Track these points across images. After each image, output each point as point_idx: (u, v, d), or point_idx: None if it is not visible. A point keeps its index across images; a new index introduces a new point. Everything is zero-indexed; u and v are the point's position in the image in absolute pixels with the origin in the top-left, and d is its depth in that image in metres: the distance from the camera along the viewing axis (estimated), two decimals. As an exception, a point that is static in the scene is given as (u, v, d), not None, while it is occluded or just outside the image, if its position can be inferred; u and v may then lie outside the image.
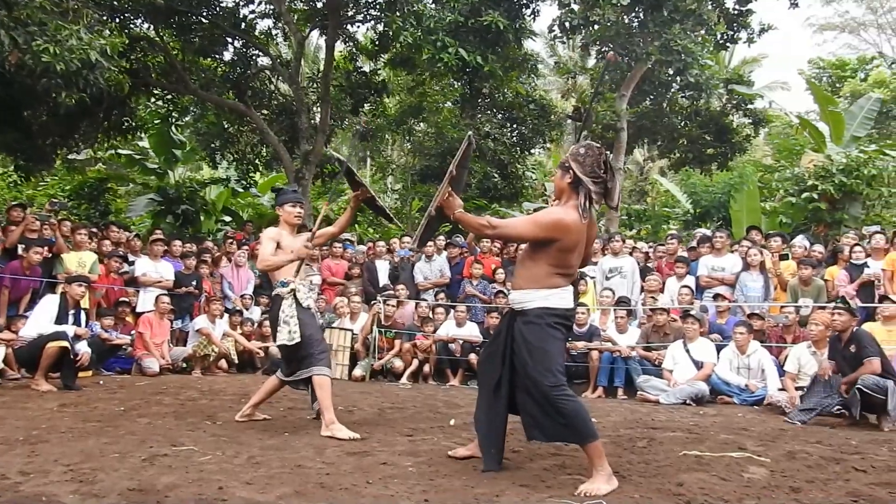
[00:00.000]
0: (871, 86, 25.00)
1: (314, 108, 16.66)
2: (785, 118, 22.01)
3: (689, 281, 9.29)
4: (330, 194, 5.27)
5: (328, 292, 10.48)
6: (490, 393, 3.90)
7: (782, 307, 8.56)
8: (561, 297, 3.68)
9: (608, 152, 17.36)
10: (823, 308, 7.79)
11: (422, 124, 18.64)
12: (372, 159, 23.58)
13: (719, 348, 7.99)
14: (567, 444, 4.05)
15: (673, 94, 19.22)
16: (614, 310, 8.95)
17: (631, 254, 10.20)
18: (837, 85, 27.57)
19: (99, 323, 8.03)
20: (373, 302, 9.79)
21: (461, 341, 9.19)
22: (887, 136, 22.17)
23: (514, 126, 18.17)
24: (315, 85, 17.12)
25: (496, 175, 17.05)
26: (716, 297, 8.91)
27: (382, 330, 9.45)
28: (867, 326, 7.79)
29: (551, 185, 21.24)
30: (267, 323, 9.06)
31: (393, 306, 9.61)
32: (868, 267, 8.59)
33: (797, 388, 7.01)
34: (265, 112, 16.44)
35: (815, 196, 13.49)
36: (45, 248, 8.45)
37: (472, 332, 9.31)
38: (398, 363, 9.33)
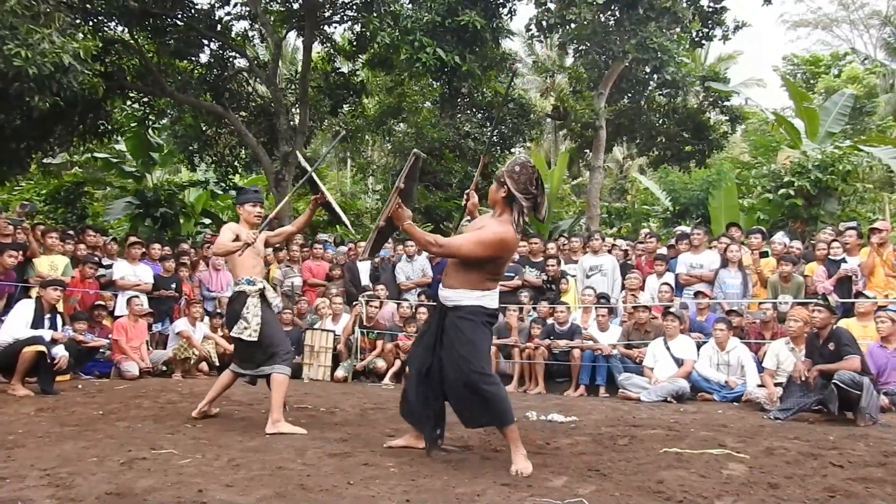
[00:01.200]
0: (845, 82, 25.36)
1: (293, 110, 16.58)
2: (761, 115, 22.23)
3: (669, 278, 9.36)
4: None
5: (309, 294, 10.44)
6: (421, 378, 4.22)
7: (760, 303, 8.64)
8: (492, 299, 4.09)
9: (587, 150, 17.21)
10: (803, 304, 7.88)
11: (401, 125, 18.62)
12: (352, 160, 23.53)
13: (699, 345, 8.05)
14: (485, 427, 4.31)
15: (650, 92, 19.34)
16: (595, 308, 9.00)
17: (610, 252, 10.25)
18: (812, 81, 27.91)
19: (71, 327, 7.93)
20: (354, 303, 9.76)
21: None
22: (861, 131, 22.48)
23: (494, 125, 18.21)
24: (293, 86, 17.05)
25: (474, 173, 17.05)
26: (696, 294, 8.97)
27: (364, 331, 9.43)
28: (843, 323, 7.90)
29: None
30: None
31: (375, 307, 9.59)
32: (845, 262, 8.70)
33: (776, 385, 7.08)
34: (243, 114, 16.34)
35: (792, 192, 13.63)
36: (19, 252, 8.34)
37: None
38: (380, 364, 9.31)
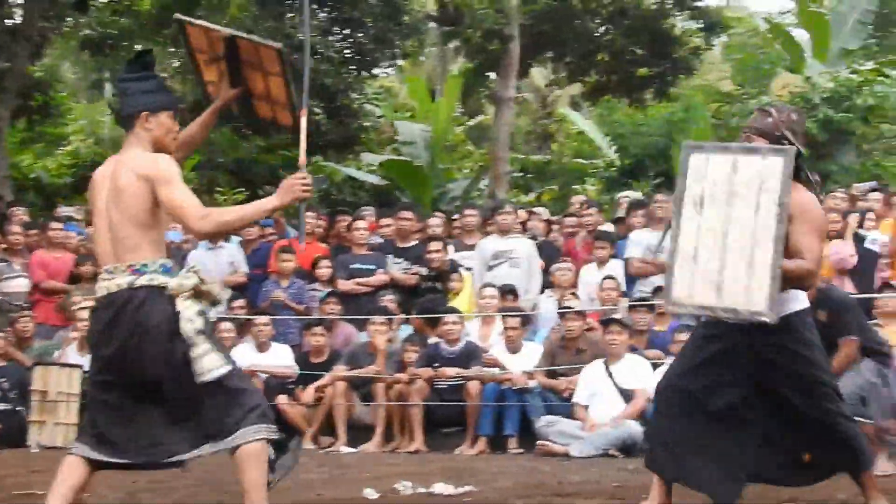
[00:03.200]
0: (869, -26, 26.71)
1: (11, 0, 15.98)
2: (749, 22, 23.10)
3: (615, 268, 9.60)
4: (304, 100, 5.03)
5: (42, 305, 10.20)
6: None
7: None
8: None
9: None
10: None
11: (196, 27, 18.21)
12: (113, 85, 22.80)
13: (657, 367, 8.25)
14: None
15: (587, -15, 19.78)
16: (502, 317, 9.11)
17: (525, 229, 10.42)
18: (822, -28, 29.31)
19: None
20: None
21: (263, 375, 9.13)
22: (889, 49, 23.75)
23: (347, 32, 18.13)
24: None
25: (319, 111, 16.97)
26: (656, 291, 9.21)
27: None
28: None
29: (404, 125, 21.36)
30: None
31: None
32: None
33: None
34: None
35: (792, 137, 14.28)
36: None
37: (279, 358, 9.28)
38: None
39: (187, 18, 4.97)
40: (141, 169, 4.29)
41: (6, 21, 15.18)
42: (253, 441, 4.18)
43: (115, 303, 4.25)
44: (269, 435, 4.24)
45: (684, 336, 7.99)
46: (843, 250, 9.02)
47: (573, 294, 9.47)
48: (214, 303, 4.57)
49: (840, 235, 9.18)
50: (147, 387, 4.27)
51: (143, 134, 4.46)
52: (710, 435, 4.62)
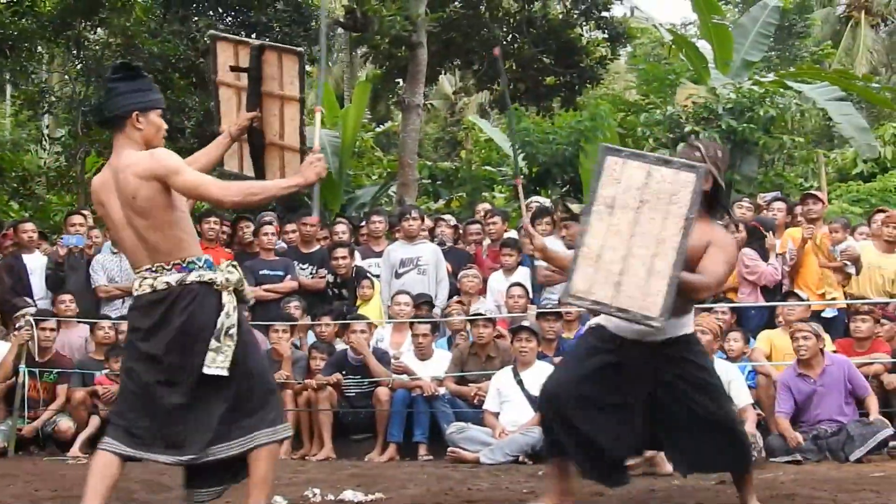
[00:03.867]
0: (769, -12, 27.39)
1: None
2: (654, 33, 23.47)
3: (522, 275, 9.68)
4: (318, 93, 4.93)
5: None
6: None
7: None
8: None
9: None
10: (710, 310, 8.42)
11: (98, 30, 17.93)
12: (14, 86, 22.31)
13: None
14: None
15: (495, -7, 19.84)
16: (411, 324, 9.13)
17: (433, 238, 10.46)
18: (725, -16, 29.94)
19: None
20: (18, 325, 9.33)
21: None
22: (790, 60, 24.38)
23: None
24: None
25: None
26: (563, 298, 9.35)
27: (36, 371, 9.11)
28: (765, 335, 8.56)
29: (311, 131, 21.07)
30: None
31: (52, 329, 9.26)
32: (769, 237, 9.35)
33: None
34: None
35: (696, 146, 14.54)
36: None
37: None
38: (65, 423, 9.03)
39: (220, 34, 5.17)
40: (143, 170, 4.37)
41: None
42: (273, 441, 4.47)
43: (165, 300, 4.40)
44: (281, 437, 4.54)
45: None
46: (774, 268, 9.24)
47: (459, 302, 9.54)
48: (244, 301, 4.71)
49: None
50: (184, 379, 4.43)
51: (135, 133, 4.53)
52: (601, 430, 4.84)
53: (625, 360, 4.86)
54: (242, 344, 4.46)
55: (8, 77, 21.11)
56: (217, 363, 4.34)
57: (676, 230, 4.35)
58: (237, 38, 5.23)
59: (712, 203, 4.89)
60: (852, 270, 9.13)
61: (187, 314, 4.39)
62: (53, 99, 19.76)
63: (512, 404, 8.23)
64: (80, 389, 9.12)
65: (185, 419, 4.43)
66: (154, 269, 4.43)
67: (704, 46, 17.83)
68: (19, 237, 10.61)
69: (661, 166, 4.50)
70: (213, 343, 4.34)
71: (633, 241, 4.41)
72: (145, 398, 4.46)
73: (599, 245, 4.46)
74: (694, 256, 4.61)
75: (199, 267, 4.45)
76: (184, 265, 4.43)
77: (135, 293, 4.55)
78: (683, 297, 4.57)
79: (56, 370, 9.24)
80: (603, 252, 4.44)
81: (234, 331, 4.39)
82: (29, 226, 10.89)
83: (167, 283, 4.40)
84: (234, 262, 4.73)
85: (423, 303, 9.41)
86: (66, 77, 20.37)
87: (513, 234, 10.56)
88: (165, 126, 4.68)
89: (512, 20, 20.01)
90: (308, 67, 21.60)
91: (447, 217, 12.12)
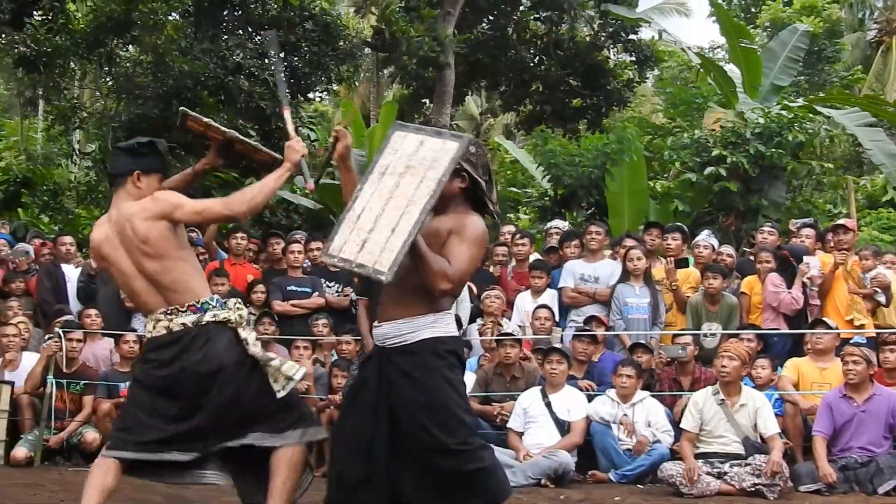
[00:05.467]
0: (799, 12, 27.21)
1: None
2: (681, 56, 23.43)
3: (550, 298, 9.66)
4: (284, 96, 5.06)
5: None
6: (363, 456, 4.46)
7: (676, 335, 9.06)
8: (448, 323, 4.58)
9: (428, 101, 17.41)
10: (737, 336, 8.35)
11: (130, 48, 18.04)
12: (47, 101, 22.49)
13: (591, 398, 8.38)
14: None
15: (522, 15, 19.91)
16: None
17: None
18: (753, 10, 29.87)
19: None
20: (48, 336, 9.39)
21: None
22: (819, 86, 24.26)
23: (283, 56, 18.05)
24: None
25: (253, 132, 16.86)
26: (588, 320, 9.29)
27: (64, 381, 9.12)
28: (792, 363, 8.46)
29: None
30: None
31: (79, 340, 9.29)
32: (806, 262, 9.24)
33: (698, 456, 7.48)
34: None
35: (723, 172, 14.37)
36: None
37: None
38: (91, 435, 9.03)
39: (191, 113, 5.31)
40: (150, 213, 4.66)
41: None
42: (294, 445, 4.69)
43: (180, 340, 4.63)
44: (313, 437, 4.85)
45: (628, 370, 8.10)
46: (795, 297, 9.08)
47: (495, 322, 9.49)
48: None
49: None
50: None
51: (134, 191, 4.81)
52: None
53: (367, 379, 4.61)
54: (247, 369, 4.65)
55: (41, 93, 21.36)
56: (280, 386, 4.65)
57: (426, 192, 4.33)
58: (209, 122, 5.37)
59: (474, 201, 4.70)
60: (882, 299, 9.07)
61: (202, 354, 4.60)
62: (85, 114, 19.95)
63: (538, 426, 8.18)
64: (106, 401, 9.13)
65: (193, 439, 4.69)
66: (169, 311, 4.64)
67: (733, 70, 17.79)
68: (57, 249, 10.87)
69: (434, 137, 4.54)
70: (269, 369, 4.66)
71: (388, 203, 4.39)
72: (153, 418, 4.67)
73: (361, 207, 4.47)
74: (435, 241, 4.48)
75: (213, 307, 4.66)
76: (199, 306, 4.64)
77: (148, 335, 4.76)
78: (420, 280, 4.42)
79: (83, 381, 9.26)
80: (362, 214, 4.45)
81: (263, 355, 4.67)
82: (67, 238, 11.27)
83: (183, 324, 4.61)
84: (240, 300, 4.99)
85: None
86: (98, 93, 20.57)
87: (536, 256, 10.53)
88: (162, 190, 4.88)
89: (539, 42, 20.06)
90: (335, 87, 21.92)
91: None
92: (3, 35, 16.69)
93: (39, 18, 16.64)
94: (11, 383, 9.04)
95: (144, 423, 4.67)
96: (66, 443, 9.06)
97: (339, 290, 10.14)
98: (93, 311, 9.80)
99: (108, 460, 4.69)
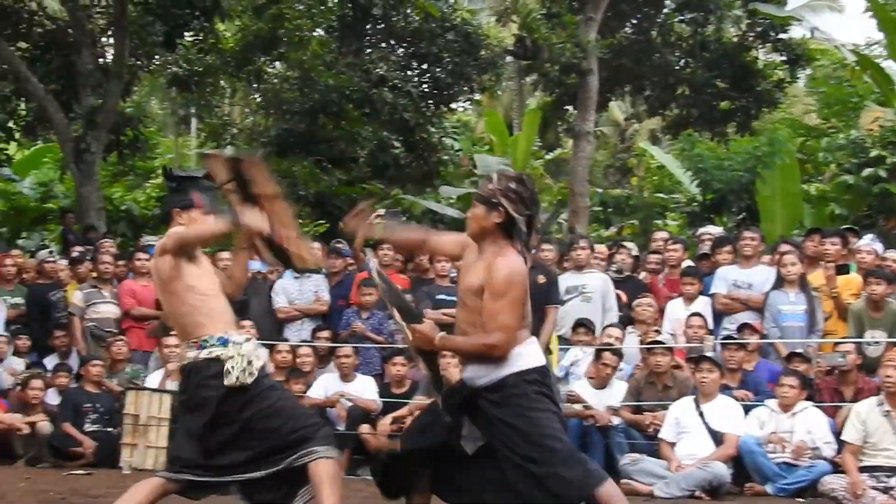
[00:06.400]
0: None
1: (103, 40, 16.25)
2: (835, 54, 22.79)
3: (703, 305, 9.49)
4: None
5: (134, 332, 10.42)
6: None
7: (837, 344, 8.80)
8: (533, 351, 4.66)
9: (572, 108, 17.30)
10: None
11: (277, 64, 18.45)
12: (199, 119, 23.19)
13: (748, 409, 8.20)
14: None
15: (667, 18, 19.66)
16: (594, 350, 9.03)
17: (609, 266, 10.37)
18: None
19: None
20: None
21: (348, 403, 9.18)
22: None
23: (425, 67, 18.24)
24: (105, 3, 16.75)
25: (398, 144, 17.07)
26: (741, 328, 9.08)
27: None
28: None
29: (482, 159, 21.46)
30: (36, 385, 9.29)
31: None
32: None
33: (862, 470, 7.26)
34: (24, 46, 16.01)
35: (883, 173, 13.96)
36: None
37: (363, 389, 9.31)
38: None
39: (208, 152, 5.57)
40: (158, 248, 5.02)
41: (99, 60, 15.56)
42: (325, 457, 4.77)
43: (185, 373, 4.96)
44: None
45: (790, 380, 7.92)
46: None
47: (656, 331, 9.37)
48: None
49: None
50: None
51: (178, 227, 5.07)
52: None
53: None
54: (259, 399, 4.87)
55: (193, 111, 22.11)
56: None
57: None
58: (215, 153, 5.76)
59: (511, 235, 4.65)
60: None
61: (193, 388, 4.92)
62: (235, 131, 20.54)
63: (691, 436, 8.05)
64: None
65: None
66: (185, 345, 4.98)
67: (891, 67, 17.24)
68: (215, 264, 11.05)
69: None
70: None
71: None
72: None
73: None
74: (474, 297, 4.59)
75: (211, 345, 4.85)
76: (199, 343, 4.88)
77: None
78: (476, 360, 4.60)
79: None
80: None
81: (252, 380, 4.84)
82: (225, 254, 11.35)
83: (188, 357, 4.92)
84: (251, 336, 5.22)
85: (579, 325, 9.29)
86: (247, 110, 21.17)
87: (688, 262, 10.38)
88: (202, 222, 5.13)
89: (684, 44, 19.77)
90: (477, 96, 21.98)
91: (629, 245, 11.95)
92: (157, 56, 17.30)
93: (190, 39, 17.16)
94: (173, 392, 9.19)
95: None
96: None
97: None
98: (247, 323, 10.00)
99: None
